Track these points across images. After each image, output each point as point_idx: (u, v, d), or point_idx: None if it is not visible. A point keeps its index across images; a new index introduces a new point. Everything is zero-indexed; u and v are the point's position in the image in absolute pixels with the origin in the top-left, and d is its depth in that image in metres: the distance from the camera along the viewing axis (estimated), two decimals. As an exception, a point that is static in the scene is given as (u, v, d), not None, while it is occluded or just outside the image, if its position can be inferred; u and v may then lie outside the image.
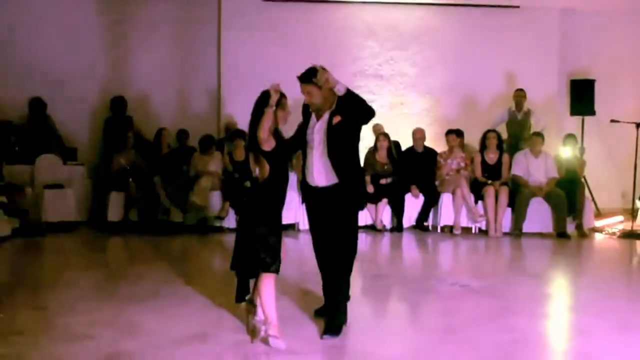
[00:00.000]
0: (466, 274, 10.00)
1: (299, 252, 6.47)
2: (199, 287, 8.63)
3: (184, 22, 15.28)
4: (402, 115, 15.38)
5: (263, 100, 6.38)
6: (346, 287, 6.77)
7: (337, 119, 6.54)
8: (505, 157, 13.51)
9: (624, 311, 7.91)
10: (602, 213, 14.69)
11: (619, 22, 15.69)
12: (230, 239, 11.94)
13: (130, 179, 12.76)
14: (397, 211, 13.28)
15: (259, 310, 6.30)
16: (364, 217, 13.23)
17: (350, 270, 6.74)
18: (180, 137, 14.11)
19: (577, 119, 15.04)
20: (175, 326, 6.75)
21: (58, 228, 12.53)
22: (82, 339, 6.32)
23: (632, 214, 14.06)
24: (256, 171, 6.42)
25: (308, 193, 6.91)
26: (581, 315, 7.91)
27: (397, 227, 13.21)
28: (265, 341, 6.11)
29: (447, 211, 13.23)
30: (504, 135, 14.31)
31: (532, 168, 13.29)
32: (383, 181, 13.24)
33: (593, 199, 14.16)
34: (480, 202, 13.15)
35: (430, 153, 13.78)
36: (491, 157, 13.47)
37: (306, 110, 6.94)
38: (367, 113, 6.60)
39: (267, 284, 6.19)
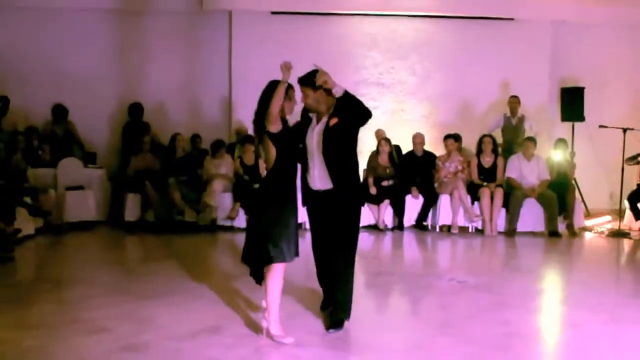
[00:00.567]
0: (463, 270, 9.99)
1: (305, 251, 6.41)
2: (210, 284, 8.63)
3: (197, 34, 15.29)
4: (402, 121, 15.37)
5: (272, 87, 6.34)
6: (349, 284, 6.61)
7: (334, 121, 6.48)
8: (500, 160, 13.50)
9: (612, 305, 7.93)
10: (591, 213, 14.67)
11: (607, 34, 15.67)
12: (240, 238, 11.97)
13: (147, 181, 12.77)
14: (398, 212, 13.27)
15: (263, 301, 6.23)
16: (367, 218, 13.22)
17: (353, 268, 6.63)
18: (194, 142, 14.12)
19: (568, 124, 15.02)
20: (188, 320, 6.76)
21: (78, 227, 12.54)
22: (101, 332, 6.34)
23: (619, 214, 14.04)
24: (264, 173, 6.37)
25: (309, 196, 6.75)
26: (572, 309, 7.90)
27: (399, 226, 13.21)
28: (270, 337, 6.11)
29: (445, 211, 13.22)
30: (499, 140, 14.31)
31: (525, 171, 13.28)
32: (385, 183, 13.23)
33: (583, 200, 14.15)
34: (476, 203, 13.13)
35: (429, 157, 13.77)
36: (487, 160, 13.47)
37: (306, 115, 6.84)
38: (364, 114, 6.54)
39: (272, 275, 6.14)
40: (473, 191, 13.19)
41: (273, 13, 15.15)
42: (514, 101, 14.42)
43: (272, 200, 6.18)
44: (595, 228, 13.80)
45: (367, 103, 15.33)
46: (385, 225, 13.20)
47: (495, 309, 7.49)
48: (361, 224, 12.95)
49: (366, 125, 14.96)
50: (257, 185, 12.61)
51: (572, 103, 14.86)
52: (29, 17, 14.68)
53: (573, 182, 13.75)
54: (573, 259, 11.51)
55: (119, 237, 12.36)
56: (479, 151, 13.56)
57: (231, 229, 12.74)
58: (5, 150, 12.26)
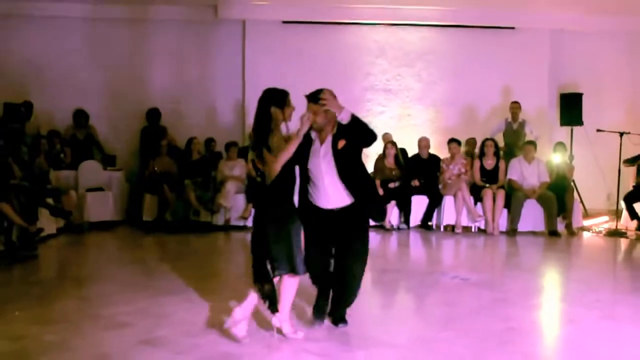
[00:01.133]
0: (466, 268, 9.99)
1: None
2: (225, 281, 8.66)
3: (212, 42, 15.35)
4: (408, 125, 15.38)
5: (269, 99, 6.06)
6: (359, 287, 6.54)
7: (342, 143, 6.22)
8: (502, 163, 13.50)
9: (609, 302, 7.91)
10: (589, 213, 14.63)
11: (604, 42, 15.64)
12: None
13: (164, 183, 12.79)
14: (405, 212, 13.29)
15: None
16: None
17: (364, 272, 6.55)
18: (209, 145, 14.16)
19: (567, 128, 14.99)
20: (204, 316, 6.76)
21: (98, 227, 12.58)
22: (121, 327, 6.36)
23: (616, 214, 14.02)
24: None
25: (316, 215, 6.36)
26: (570, 305, 7.88)
27: (405, 222, 13.25)
28: (280, 332, 6.09)
29: (449, 212, 13.21)
30: (501, 144, 14.29)
31: (526, 173, 13.26)
32: (391, 185, 13.24)
33: (581, 201, 14.11)
34: (479, 204, 13.12)
35: (434, 159, 13.77)
36: (489, 163, 13.46)
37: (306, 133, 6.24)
38: (370, 137, 6.24)
39: (285, 285, 6.07)
40: (476, 192, 13.18)
41: (284, 22, 15.20)
42: (515, 106, 14.41)
43: (276, 211, 6.03)
44: (593, 228, 13.77)
45: (375, 108, 15.52)
46: (392, 225, 13.20)
47: (496, 305, 7.48)
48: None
49: (375, 129, 15.04)
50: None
51: (570, 108, 14.84)
52: (51, 27, 14.83)
53: (572, 183, 13.74)
54: (572, 257, 11.48)
55: (137, 236, 12.39)
56: (482, 154, 13.57)
57: (244, 228, 12.73)
58: (29, 153, 12.30)
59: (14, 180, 10.66)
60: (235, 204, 12.84)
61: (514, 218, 13.01)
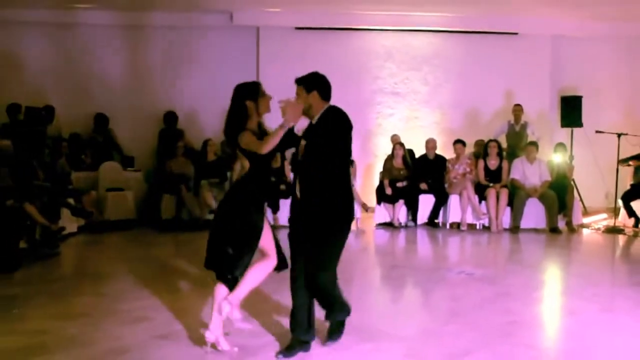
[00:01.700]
0: (471, 264, 9.96)
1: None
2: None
3: (227, 47, 15.35)
4: (416, 127, 15.36)
5: (241, 93, 5.83)
6: (323, 288, 5.63)
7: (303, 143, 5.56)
8: (505, 163, 13.47)
9: (607, 296, 7.89)
10: (589, 211, 14.60)
11: (603, 47, 15.60)
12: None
13: (181, 183, 12.79)
14: (412, 210, 13.28)
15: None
16: (383, 216, 13.27)
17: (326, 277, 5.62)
18: (224, 147, 14.17)
19: (567, 130, 14.94)
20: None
21: (118, 226, 12.59)
22: (140, 321, 6.36)
23: (614, 212, 13.98)
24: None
25: (292, 203, 5.80)
26: (570, 299, 7.87)
27: (413, 220, 13.29)
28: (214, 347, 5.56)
29: (454, 210, 13.18)
30: (504, 145, 14.26)
31: (528, 172, 13.24)
32: (400, 184, 13.22)
33: (581, 199, 14.07)
34: (483, 202, 13.10)
35: (440, 159, 13.74)
36: (492, 163, 13.43)
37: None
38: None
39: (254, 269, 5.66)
40: (480, 191, 13.15)
41: (297, 28, 15.22)
42: (518, 109, 14.39)
43: (237, 208, 5.56)
44: (592, 225, 13.74)
45: (384, 111, 15.53)
46: (400, 223, 13.19)
47: (500, 299, 7.45)
48: (377, 222, 13.06)
49: (382, 132, 15.08)
50: (283, 187, 12.74)
51: (571, 110, 14.80)
52: (73, 35, 14.91)
53: (572, 182, 13.70)
54: (572, 253, 11.43)
55: (155, 234, 12.38)
56: (485, 155, 13.55)
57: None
58: (51, 155, 12.34)
59: (37, 182, 10.70)
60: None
61: (516, 216, 12.99)
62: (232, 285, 5.57)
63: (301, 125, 5.54)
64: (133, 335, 5.94)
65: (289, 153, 8.08)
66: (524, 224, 13.05)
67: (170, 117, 14.43)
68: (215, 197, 12.85)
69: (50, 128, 13.50)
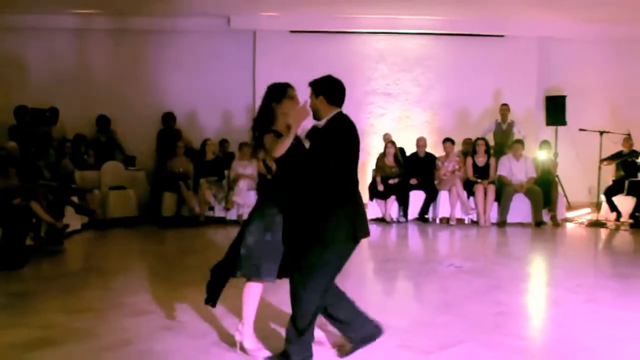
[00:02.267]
0: (460, 257, 9.99)
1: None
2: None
3: (225, 50, 15.36)
4: (407, 126, 15.39)
5: (268, 94, 5.53)
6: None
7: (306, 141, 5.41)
8: (492, 160, 13.54)
9: (591, 287, 7.92)
10: (572, 206, 14.66)
11: (586, 48, 15.63)
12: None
13: (181, 181, 12.81)
14: (403, 206, 13.33)
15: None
16: (375, 211, 13.33)
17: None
18: (222, 146, 14.22)
19: (552, 128, 14.99)
20: (220, 304, 6.76)
21: (120, 223, 12.60)
22: (143, 314, 6.39)
23: (597, 206, 14.06)
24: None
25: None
26: (556, 290, 7.91)
27: (404, 215, 13.39)
28: (244, 350, 5.34)
29: (444, 205, 13.24)
30: (491, 143, 14.32)
31: (514, 169, 13.30)
32: (391, 181, 13.27)
33: (565, 194, 14.13)
34: (472, 198, 13.17)
35: (430, 157, 13.79)
36: (480, 160, 13.50)
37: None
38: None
39: (247, 291, 5.38)
40: (469, 187, 13.22)
41: (292, 32, 15.24)
42: (505, 108, 14.45)
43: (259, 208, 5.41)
44: (576, 219, 13.84)
45: (376, 111, 15.60)
46: (392, 218, 13.23)
47: (488, 291, 7.49)
48: (370, 218, 13.10)
49: (374, 131, 15.13)
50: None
51: (555, 109, 14.85)
52: (76, 39, 15.02)
53: (556, 178, 13.77)
54: (556, 246, 11.48)
55: (157, 231, 12.39)
56: (474, 152, 13.61)
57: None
58: (56, 155, 12.36)
59: (43, 181, 10.72)
60: (247, 201, 12.84)
61: (503, 210, 13.07)
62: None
63: (306, 126, 5.34)
64: (138, 327, 5.96)
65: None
66: (511, 218, 13.13)
67: (169, 118, 14.44)
68: (213, 194, 12.89)
69: (55, 129, 13.52)
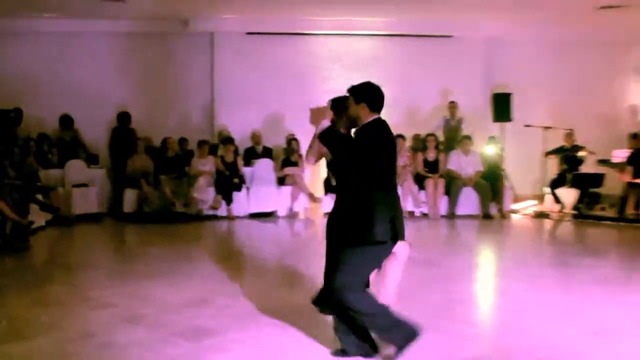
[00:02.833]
0: (413, 248, 10.04)
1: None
2: (198, 265, 8.67)
3: (184, 52, 15.28)
4: (360, 123, 15.42)
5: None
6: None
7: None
8: (442, 155, 13.67)
9: (536, 275, 8.02)
10: (519, 198, 14.80)
11: (530, 48, 15.78)
12: (222, 226, 12.02)
13: (142, 179, 12.74)
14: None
15: None
16: (329, 205, 13.29)
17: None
18: (182, 144, 14.15)
19: (498, 124, 15.13)
20: (180, 295, 6.78)
21: (84, 219, 12.48)
22: (107, 307, 6.36)
23: (541, 198, 14.28)
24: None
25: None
26: (503, 279, 8.04)
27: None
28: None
29: (396, 199, 13.31)
30: (441, 138, 14.45)
31: (463, 164, 13.45)
32: (345, 176, 13.32)
33: (511, 187, 14.29)
34: (422, 191, 13.26)
35: (382, 153, 13.86)
36: (431, 155, 13.62)
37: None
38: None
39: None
40: (419, 181, 13.31)
41: (249, 34, 15.18)
42: (453, 106, 14.60)
43: None
44: (522, 211, 14.00)
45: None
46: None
47: (439, 281, 7.57)
48: (326, 211, 13.08)
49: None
50: (236, 180, 12.82)
51: (502, 106, 14.96)
52: (39, 42, 14.79)
53: (503, 172, 13.91)
54: (504, 237, 11.62)
55: (120, 227, 12.32)
56: (424, 148, 13.74)
57: (215, 217, 12.76)
58: (20, 154, 12.21)
59: (8, 180, 10.58)
60: (207, 197, 12.82)
61: (452, 203, 13.22)
62: None
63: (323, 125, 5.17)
64: (101, 320, 5.94)
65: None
66: (460, 210, 13.26)
67: (124, 117, 14.24)
68: (174, 191, 12.84)
69: (20, 129, 13.35)
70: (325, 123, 5.12)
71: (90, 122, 14.44)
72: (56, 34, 14.79)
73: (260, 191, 13.23)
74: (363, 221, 4.82)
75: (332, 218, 5.38)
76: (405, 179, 13.10)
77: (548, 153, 13.99)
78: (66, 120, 13.97)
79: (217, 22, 15.01)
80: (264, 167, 13.71)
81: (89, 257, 9.39)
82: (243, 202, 13.08)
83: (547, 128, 13.67)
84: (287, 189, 13.21)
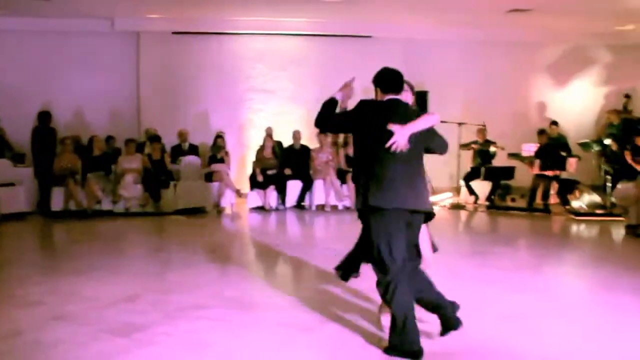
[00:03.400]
0: (335, 241, 10.12)
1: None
2: (127, 261, 8.54)
3: (110, 51, 15.09)
4: (284, 121, 15.40)
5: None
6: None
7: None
8: (363, 151, 13.78)
9: (455, 264, 8.15)
10: (436, 190, 15.04)
11: (446, 48, 16.05)
12: (150, 223, 11.86)
13: (69, 177, 12.47)
14: (282, 195, 13.40)
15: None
16: (255, 200, 13.39)
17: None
18: (109, 142, 13.92)
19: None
20: (109, 291, 6.66)
21: (11, 218, 12.14)
22: (35, 305, 6.19)
23: (457, 191, 14.55)
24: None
25: None
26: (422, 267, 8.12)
27: (282, 203, 13.44)
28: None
29: (319, 193, 13.37)
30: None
31: (383, 159, 13.58)
32: (270, 172, 13.33)
33: (429, 180, 14.46)
34: (345, 186, 13.33)
35: (305, 149, 13.90)
36: (352, 151, 13.68)
37: None
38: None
39: None
40: (342, 176, 13.38)
41: (175, 33, 15.04)
42: (373, 103, 14.72)
43: None
44: (439, 202, 14.24)
45: (255, 106, 15.58)
46: (271, 207, 13.28)
47: (362, 270, 7.60)
48: (251, 206, 13.10)
49: (253, 125, 15.16)
50: (164, 177, 12.67)
51: (419, 103, 15.08)
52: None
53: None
54: (423, 227, 11.76)
55: (47, 224, 12.01)
56: (346, 143, 13.83)
57: (142, 215, 12.58)
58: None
59: None
60: (134, 194, 12.64)
61: (374, 197, 13.32)
62: None
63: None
64: (28, 318, 5.78)
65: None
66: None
67: (44, 116, 13.81)
68: (101, 189, 12.60)
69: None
70: (337, 95, 5.82)
71: (16, 121, 14.03)
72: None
73: (188, 188, 13.12)
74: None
75: None
76: (327, 174, 13.18)
77: (462, 146, 14.22)
78: (-10, 119, 13.59)
79: (142, 21, 14.84)
80: (191, 164, 13.61)
81: (15, 255, 9.12)
82: (170, 199, 12.94)
83: (461, 124, 13.89)
84: (213, 185, 13.16)
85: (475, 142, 14.37)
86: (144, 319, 5.74)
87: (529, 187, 13.57)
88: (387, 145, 4.99)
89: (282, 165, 13.59)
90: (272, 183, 13.32)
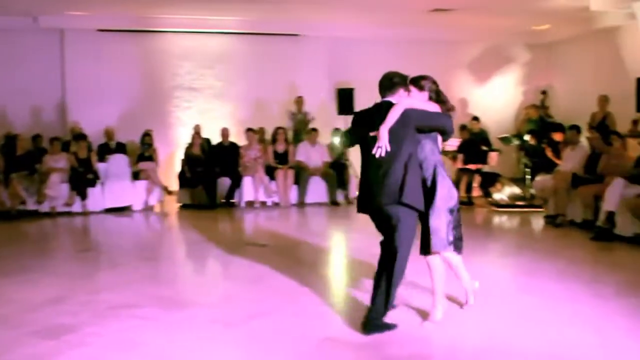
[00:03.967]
0: (265, 236, 10.08)
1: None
2: (55, 262, 8.34)
3: (34, 48, 14.62)
4: (212, 118, 15.26)
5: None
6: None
7: None
8: (291, 147, 13.77)
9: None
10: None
11: (371, 47, 16.08)
12: (78, 223, 11.59)
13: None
14: (211, 192, 13.25)
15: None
16: (185, 198, 13.24)
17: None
18: (35, 141, 13.54)
19: (343, 117, 15.37)
20: (37, 293, 6.46)
21: None
22: (-42, 308, 5.96)
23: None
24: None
25: None
26: (354, 259, 8.17)
27: (211, 205, 13.18)
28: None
29: (248, 190, 13.29)
30: (289, 131, 14.54)
31: (311, 154, 13.61)
32: (198, 169, 13.20)
33: (356, 176, 14.56)
34: (273, 182, 13.30)
35: (234, 146, 13.80)
36: (280, 147, 13.67)
37: None
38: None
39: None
40: (270, 172, 13.34)
41: (100, 31, 14.71)
42: (299, 100, 14.79)
43: None
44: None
45: (182, 104, 15.44)
46: (200, 204, 13.16)
47: (292, 266, 7.58)
48: (181, 204, 12.95)
49: (180, 123, 15.01)
50: (90, 176, 12.39)
51: (345, 100, 15.21)
52: None
53: (348, 162, 14.16)
54: (350, 222, 11.78)
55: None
56: (274, 140, 13.78)
57: (69, 214, 12.28)
58: None
59: None
60: (60, 193, 12.32)
61: (302, 192, 13.35)
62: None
63: None
64: (-48, 322, 5.57)
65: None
66: (309, 199, 13.44)
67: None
68: (25, 188, 12.24)
69: None
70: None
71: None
72: None
73: (115, 186, 12.86)
74: None
75: None
76: (256, 171, 13.11)
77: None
78: None
79: (66, 19, 14.44)
80: (118, 163, 13.34)
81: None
82: (98, 198, 12.65)
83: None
84: (141, 184, 12.94)
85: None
86: (74, 319, 5.57)
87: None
88: (373, 152, 5.27)
89: (211, 162, 13.46)
90: (201, 181, 13.18)
